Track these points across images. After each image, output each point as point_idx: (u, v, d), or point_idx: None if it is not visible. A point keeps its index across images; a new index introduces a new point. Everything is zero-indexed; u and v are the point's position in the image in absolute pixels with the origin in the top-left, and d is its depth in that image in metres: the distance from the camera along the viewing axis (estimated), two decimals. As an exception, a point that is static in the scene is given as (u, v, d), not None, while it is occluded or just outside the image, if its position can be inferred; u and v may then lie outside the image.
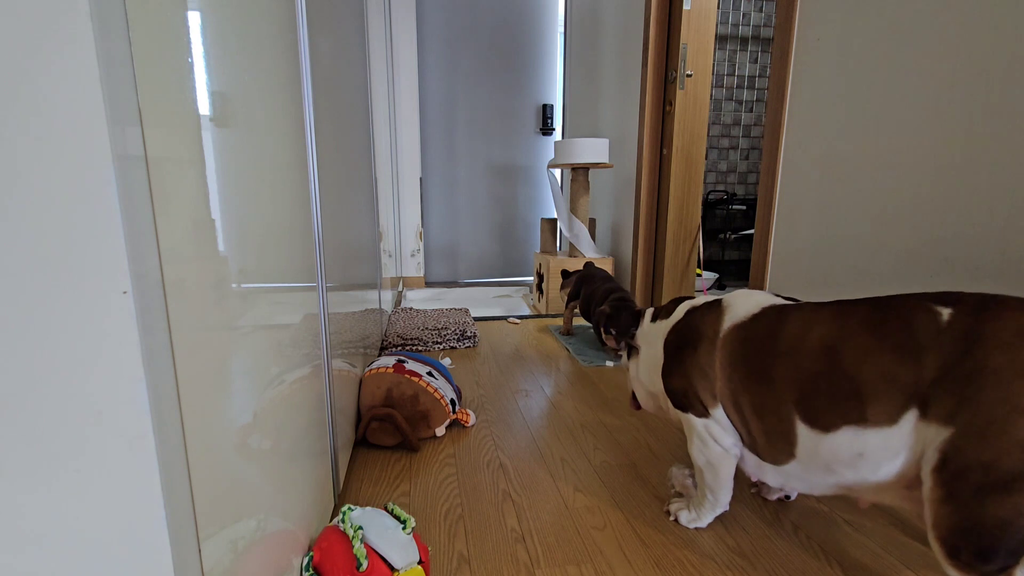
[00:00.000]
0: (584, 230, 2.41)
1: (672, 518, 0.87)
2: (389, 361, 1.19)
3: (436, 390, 1.15)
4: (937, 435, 0.57)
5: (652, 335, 0.91)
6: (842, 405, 0.65)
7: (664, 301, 2.37)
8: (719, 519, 0.87)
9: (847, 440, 0.65)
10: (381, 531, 0.68)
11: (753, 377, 0.73)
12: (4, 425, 0.30)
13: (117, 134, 0.29)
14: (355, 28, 1.29)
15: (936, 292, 0.63)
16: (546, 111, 3.32)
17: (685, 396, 0.81)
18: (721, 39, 3.35)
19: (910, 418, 0.60)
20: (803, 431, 0.68)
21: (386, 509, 0.74)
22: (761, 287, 1.50)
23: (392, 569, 0.65)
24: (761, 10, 3.37)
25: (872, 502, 0.70)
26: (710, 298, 0.85)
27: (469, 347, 1.89)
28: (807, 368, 0.68)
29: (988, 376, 0.54)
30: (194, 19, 0.40)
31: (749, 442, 0.77)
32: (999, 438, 0.53)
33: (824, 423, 0.66)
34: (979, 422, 0.54)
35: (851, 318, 0.67)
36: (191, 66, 0.39)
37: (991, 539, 0.54)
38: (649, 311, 0.96)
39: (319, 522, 0.74)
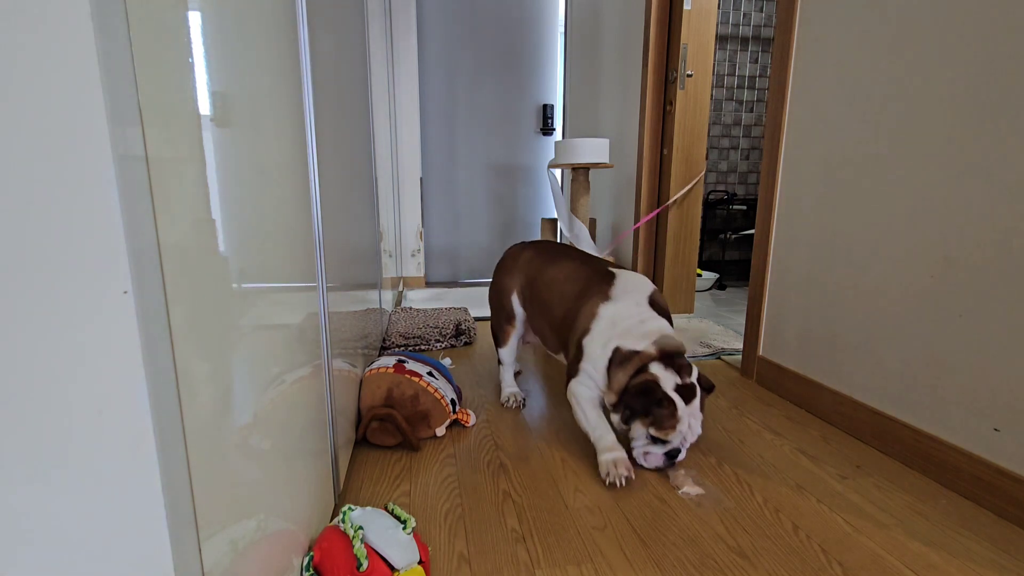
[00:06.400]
0: (584, 230, 2.40)
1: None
2: (389, 361, 1.19)
3: (436, 390, 1.15)
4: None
5: None
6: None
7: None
8: (719, 518, 0.87)
9: None
10: (381, 531, 0.68)
11: None
12: (4, 425, 0.30)
13: (117, 134, 0.29)
14: (355, 28, 1.29)
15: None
16: (546, 111, 3.32)
17: None
18: (721, 39, 3.35)
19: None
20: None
21: (386, 509, 0.74)
22: (761, 287, 1.50)
23: (392, 569, 0.65)
24: (761, 10, 3.37)
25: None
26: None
27: (467, 343, 1.90)
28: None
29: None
30: (194, 19, 0.40)
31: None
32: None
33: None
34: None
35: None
36: (191, 66, 0.39)
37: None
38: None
39: (319, 522, 0.74)
